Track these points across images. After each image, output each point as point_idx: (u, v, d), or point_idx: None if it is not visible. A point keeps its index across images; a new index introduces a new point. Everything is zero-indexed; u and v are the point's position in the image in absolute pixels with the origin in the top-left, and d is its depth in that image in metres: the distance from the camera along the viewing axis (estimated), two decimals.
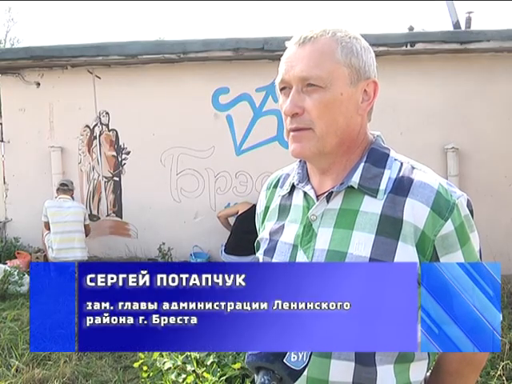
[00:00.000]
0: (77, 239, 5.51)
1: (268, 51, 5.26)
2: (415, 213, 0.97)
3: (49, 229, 5.56)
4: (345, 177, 1.04)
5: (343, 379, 0.99)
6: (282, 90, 1.05)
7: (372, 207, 1.00)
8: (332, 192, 1.04)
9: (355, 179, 1.03)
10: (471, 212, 1.02)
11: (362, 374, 0.98)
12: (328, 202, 1.05)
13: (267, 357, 0.86)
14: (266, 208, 1.21)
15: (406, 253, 0.96)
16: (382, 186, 1.01)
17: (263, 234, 1.17)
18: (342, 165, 1.06)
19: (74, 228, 5.55)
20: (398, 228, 0.97)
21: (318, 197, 1.07)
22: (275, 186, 1.21)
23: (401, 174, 1.02)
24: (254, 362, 0.87)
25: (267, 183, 1.25)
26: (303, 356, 0.87)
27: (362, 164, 1.04)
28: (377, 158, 1.05)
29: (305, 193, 1.10)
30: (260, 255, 1.15)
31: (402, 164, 1.05)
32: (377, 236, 0.98)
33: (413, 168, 1.03)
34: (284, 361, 0.85)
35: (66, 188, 5.72)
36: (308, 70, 0.99)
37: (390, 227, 0.98)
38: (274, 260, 1.10)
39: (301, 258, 1.04)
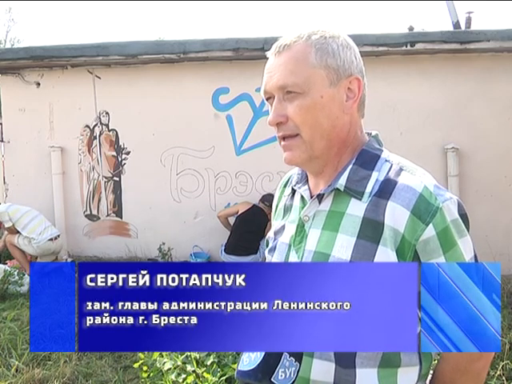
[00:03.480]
0: (45, 219, 5.76)
1: (268, 51, 5.25)
2: (396, 216, 0.95)
3: (16, 232, 5.59)
4: (333, 179, 1.05)
5: (324, 379, 0.99)
6: (267, 100, 1.06)
7: (356, 210, 1.00)
8: (323, 194, 1.05)
9: (342, 182, 1.02)
10: (463, 216, 0.99)
11: (342, 376, 0.98)
12: (320, 203, 1.05)
13: (255, 375, 0.86)
14: (276, 207, 1.24)
15: (385, 257, 0.95)
16: (368, 189, 1.00)
17: (270, 233, 1.21)
18: (334, 166, 1.06)
19: (36, 213, 5.76)
20: (379, 231, 0.96)
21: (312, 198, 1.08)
22: (285, 186, 1.23)
23: (387, 177, 1.01)
24: (243, 378, 0.87)
25: (280, 182, 1.27)
26: (291, 373, 0.87)
27: (350, 166, 1.04)
28: (366, 159, 1.04)
29: (301, 194, 1.11)
30: (267, 254, 1.19)
31: (391, 165, 1.03)
32: (358, 239, 0.97)
33: (401, 170, 1.01)
34: (272, 379, 0.85)
35: None
36: (284, 78, 1.00)
37: (371, 231, 0.97)
38: (273, 259, 1.13)
39: (293, 258, 1.06)
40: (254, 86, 5.74)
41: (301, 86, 0.99)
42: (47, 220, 5.79)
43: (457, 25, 6.32)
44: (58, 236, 5.73)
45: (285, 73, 1.00)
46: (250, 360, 0.87)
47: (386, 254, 0.95)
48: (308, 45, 1.01)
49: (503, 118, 5.46)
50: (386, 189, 0.99)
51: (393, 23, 48.52)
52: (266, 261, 1.16)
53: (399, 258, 0.95)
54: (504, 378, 2.98)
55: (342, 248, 0.98)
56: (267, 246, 1.21)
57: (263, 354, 0.87)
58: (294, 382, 0.87)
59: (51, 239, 5.60)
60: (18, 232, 5.59)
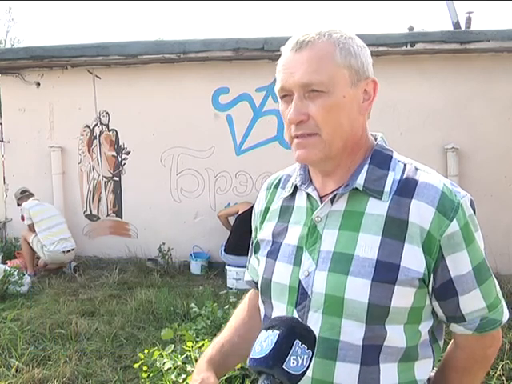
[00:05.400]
0: (66, 229, 5.76)
1: (268, 51, 5.25)
2: (421, 214, 0.97)
3: (33, 231, 5.62)
4: (349, 179, 1.04)
5: (348, 381, 0.99)
6: (282, 97, 1.03)
7: (377, 209, 1.00)
8: (336, 194, 1.04)
9: (360, 181, 1.02)
10: (474, 212, 1.02)
11: (367, 375, 0.98)
12: (332, 203, 1.04)
13: (267, 362, 0.85)
14: (266, 208, 1.19)
15: (412, 254, 0.96)
16: (387, 188, 1.01)
17: (264, 236, 1.16)
18: (346, 166, 1.05)
19: (61, 220, 5.77)
20: (403, 229, 0.97)
21: (321, 198, 1.06)
22: (276, 187, 1.20)
23: (405, 176, 1.02)
24: (255, 366, 0.87)
25: (267, 183, 1.23)
26: (303, 360, 0.86)
27: (367, 166, 1.04)
28: (380, 159, 1.05)
29: (308, 194, 1.09)
30: (262, 257, 1.14)
31: (405, 165, 1.04)
32: (383, 238, 0.98)
33: (416, 169, 1.03)
34: (283, 366, 0.85)
35: (29, 193, 5.95)
36: (309, 76, 0.97)
37: (395, 229, 0.98)
38: (277, 262, 1.09)
39: (306, 259, 1.04)
40: (254, 86, 5.74)
41: (326, 84, 0.97)
42: (67, 231, 5.74)
43: (457, 25, 6.31)
44: (72, 249, 5.71)
45: (310, 70, 0.97)
46: (261, 348, 0.87)
47: (412, 250, 0.96)
48: (331, 43, 0.99)
49: (503, 118, 5.45)
50: (407, 188, 1.00)
51: (393, 23, 48.49)
52: (265, 264, 1.12)
53: (426, 254, 0.97)
54: (504, 378, 2.97)
55: (367, 247, 0.98)
56: (257, 249, 1.17)
57: (275, 341, 0.86)
58: (306, 369, 0.87)
59: (64, 252, 5.59)
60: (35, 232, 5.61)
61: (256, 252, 1.19)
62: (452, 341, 1.11)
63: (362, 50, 1.02)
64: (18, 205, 5.86)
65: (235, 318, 1.28)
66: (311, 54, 0.98)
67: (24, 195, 5.88)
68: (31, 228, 5.63)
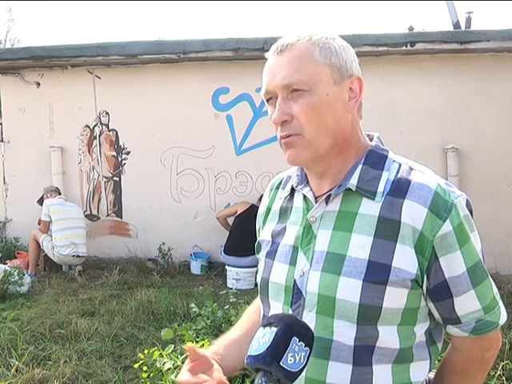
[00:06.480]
0: (81, 235, 5.69)
1: (268, 51, 5.25)
2: (413, 214, 0.96)
3: (46, 231, 5.61)
4: (342, 179, 1.04)
5: (340, 381, 0.98)
6: (268, 100, 1.04)
7: (370, 209, 1.00)
8: (330, 194, 1.04)
9: (353, 181, 1.02)
10: (471, 212, 1.01)
11: (360, 376, 0.98)
12: (327, 203, 1.04)
13: (264, 359, 0.85)
14: (268, 209, 1.20)
15: (404, 254, 0.96)
16: (380, 188, 1.01)
17: (264, 236, 1.17)
18: (338, 166, 1.05)
19: (79, 224, 5.72)
20: (396, 230, 0.97)
21: (316, 198, 1.07)
22: (277, 188, 1.21)
23: (399, 176, 1.01)
24: (252, 364, 0.87)
25: (270, 184, 1.25)
26: (300, 358, 0.86)
27: (360, 166, 1.04)
28: (375, 159, 1.05)
29: (304, 195, 1.10)
30: (262, 257, 1.15)
31: (400, 165, 1.04)
32: (375, 238, 0.97)
33: (411, 169, 1.03)
34: (280, 363, 0.84)
35: (58, 190, 5.93)
36: (289, 76, 0.98)
37: (388, 229, 0.97)
38: (275, 262, 1.10)
39: (301, 259, 1.04)
40: (254, 86, 5.74)
41: (307, 83, 0.98)
42: (82, 237, 5.69)
43: (457, 25, 6.32)
44: (83, 256, 5.68)
45: (290, 71, 0.98)
46: (258, 345, 0.87)
47: (404, 251, 0.96)
48: (311, 43, 1.00)
49: (503, 118, 5.46)
50: (400, 188, 1.00)
51: (393, 23, 48.43)
52: (264, 264, 1.13)
53: (418, 254, 0.96)
54: (504, 378, 2.97)
55: (359, 248, 0.98)
56: (259, 249, 1.19)
57: (272, 338, 0.86)
58: (303, 367, 0.86)
59: (73, 256, 5.56)
60: (48, 232, 5.61)
61: (258, 252, 1.20)
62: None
63: (344, 49, 1.03)
64: (42, 200, 5.79)
65: (243, 316, 1.28)
66: (291, 56, 1.00)
67: (51, 190, 5.85)
68: (44, 227, 5.62)
